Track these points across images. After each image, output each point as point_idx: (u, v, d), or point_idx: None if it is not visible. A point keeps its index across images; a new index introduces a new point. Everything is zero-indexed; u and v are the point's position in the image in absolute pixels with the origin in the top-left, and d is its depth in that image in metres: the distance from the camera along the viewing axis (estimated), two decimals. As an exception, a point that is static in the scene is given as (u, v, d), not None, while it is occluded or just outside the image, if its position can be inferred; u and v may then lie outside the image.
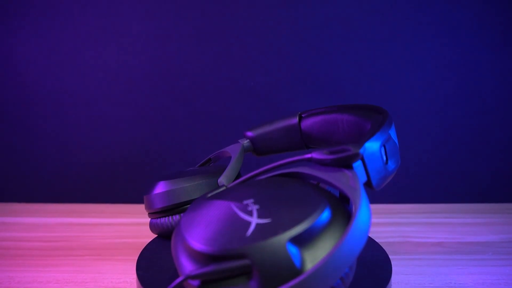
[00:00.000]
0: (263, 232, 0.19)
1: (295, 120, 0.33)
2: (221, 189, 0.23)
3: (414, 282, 0.31)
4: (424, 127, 0.47)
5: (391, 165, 0.24)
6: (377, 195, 0.45)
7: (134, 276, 0.31)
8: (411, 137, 0.47)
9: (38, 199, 0.48)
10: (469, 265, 0.34)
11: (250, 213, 0.20)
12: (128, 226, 0.41)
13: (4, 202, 0.47)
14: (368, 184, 0.22)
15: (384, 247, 0.30)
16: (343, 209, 0.21)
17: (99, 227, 0.41)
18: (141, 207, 0.46)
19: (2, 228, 0.41)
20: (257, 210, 0.20)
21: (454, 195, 0.48)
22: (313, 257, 0.19)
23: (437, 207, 0.46)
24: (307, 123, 0.33)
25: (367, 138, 0.22)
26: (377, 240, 0.32)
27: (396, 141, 0.26)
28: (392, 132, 0.25)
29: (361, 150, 0.21)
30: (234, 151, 0.32)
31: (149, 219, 0.32)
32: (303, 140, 0.33)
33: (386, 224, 0.42)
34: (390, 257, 0.29)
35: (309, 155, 0.22)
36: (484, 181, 0.47)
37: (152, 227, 0.31)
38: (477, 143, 0.47)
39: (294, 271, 0.18)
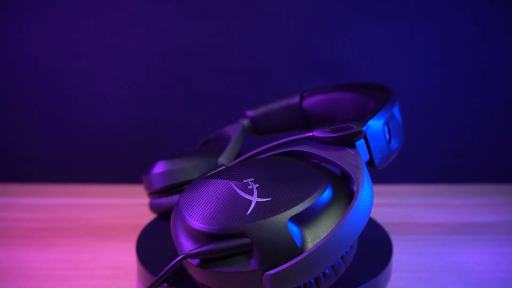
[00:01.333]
0: (263, 210, 0.19)
1: (297, 99, 0.32)
2: (221, 168, 0.23)
3: (415, 262, 0.31)
4: (426, 107, 0.46)
5: (394, 144, 0.24)
6: (377, 175, 0.44)
7: (134, 256, 0.31)
8: (412, 117, 0.46)
9: (37, 179, 0.47)
10: (469, 246, 0.34)
11: (250, 192, 0.20)
12: (128, 207, 0.41)
13: (2, 182, 0.47)
14: (370, 163, 0.22)
15: (384, 228, 0.30)
16: (345, 188, 0.20)
17: (99, 208, 0.41)
18: (141, 188, 0.46)
19: (1, 208, 0.41)
20: (257, 188, 0.20)
21: (456, 176, 0.47)
22: (314, 236, 0.18)
23: (438, 188, 0.46)
24: (309, 102, 0.32)
25: (370, 116, 0.22)
26: (377, 221, 0.32)
27: (400, 119, 0.25)
28: (396, 111, 0.25)
29: (364, 128, 0.21)
30: (234, 131, 0.32)
31: (149, 199, 0.31)
32: (304, 120, 0.33)
33: (386, 205, 0.42)
34: (391, 237, 0.29)
35: (310, 133, 0.22)
36: (486, 162, 0.47)
37: (152, 207, 0.31)
38: (479, 123, 0.46)
39: (295, 250, 0.18)
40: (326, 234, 0.18)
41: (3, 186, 0.46)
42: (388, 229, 0.30)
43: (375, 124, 0.22)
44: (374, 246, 0.27)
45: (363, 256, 0.25)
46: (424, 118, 0.46)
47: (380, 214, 0.39)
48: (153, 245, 0.27)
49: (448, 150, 0.47)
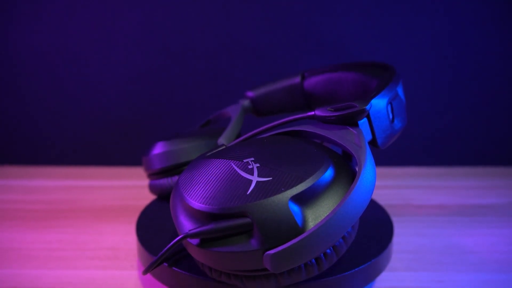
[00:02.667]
0: (264, 190, 0.18)
1: (298, 79, 0.32)
2: (221, 148, 0.23)
3: (415, 243, 0.31)
4: (428, 89, 0.45)
5: (397, 123, 0.23)
6: (378, 157, 0.44)
7: (135, 237, 0.31)
8: (414, 98, 0.45)
9: (37, 162, 0.47)
10: (470, 227, 0.34)
11: (250, 172, 0.19)
12: (128, 188, 0.41)
13: (2, 165, 0.47)
14: (373, 143, 0.22)
15: (385, 209, 0.30)
16: (347, 168, 0.20)
17: (99, 190, 0.41)
18: (141, 170, 0.46)
19: (1, 190, 0.41)
20: (258, 168, 0.19)
21: (457, 158, 0.47)
22: (316, 216, 0.18)
23: (438, 171, 0.46)
24: (310, 82, 0.31)
25: (374, 95, 0.21)
26: (378, 203, 0.31)
27: (404, 99, 0.24)
28: (400, 90, 0.24)
29: (367, 107, 0.20)
30: (234, 111, 0.31)
31: (149, 180, 0.31)
32: (305, 100, 0.32)
33: (387, 187, 0.41)
34: (392, 219, 0.28)
35: (312, 113, 0.22)
36: (487, 145, 0.47)
37: (152, 188, 0.30)
38: (480, 105, 0.46)
39: (296, 229, 0.18)
40: (328, 214, 0.18)
41: (3, 169, 0.46)
42: (388, 211, 0.30)
43: (379, 103, 0.21)
44: (375, 227, 0.27)
45: (364, 237, 0.25)
46: (425, 100, 0.46)
47: (380, 196, 0.39)
48: (153, 226, 0.27)
49: (449, 132, 0.47)
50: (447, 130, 0.47)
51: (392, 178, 0.44)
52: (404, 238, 0.32)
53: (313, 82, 0.31)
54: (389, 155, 0.47)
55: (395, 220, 0.35)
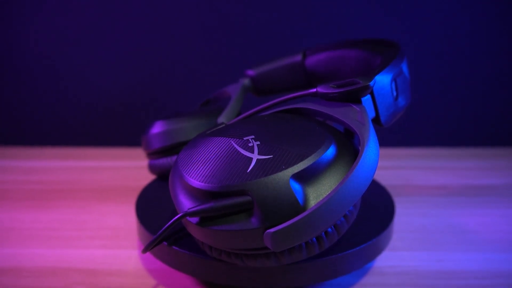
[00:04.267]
0: (264, 168, 0.18)
1: (299, 57, 0.31)
2: (220, 126, 0.22)
3: (416, 223, 0.31)
4: (430, 69, 0.45)
5: (401, 101, 0.23)
6: (380, 138, 0.44)
7: (135, 217, 0.31)
8: (416, 78, 0.45)
9: (36, 142, 0.47)
10: (471, 207, 0.33)
11: (250, 149, 0.19)
12: (128, 169, 0.41)
13: (3, 145, 0.47)
14: (376, 121, 0.21)
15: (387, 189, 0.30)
16: (349, 146, 0.19)
17: (99, 170, 0.40)
18: (141, 151, 0.46)
19: (1, 171, 0.40)
20: (258, 146, 0.19)
21: (459, 139, 0.47)
22: (317, 194, 0.18)
23: (441, 151, 0.45)
24: (312, 60, 0.31)
25: (378, 71, 0.21)
26: (380, 183, 0.31)
27: (408, 76, 0.24)
28: (404, 66, 0.23)
29: (371, 83, 0.19)
30: (234, 91, 0.31)
31: (148, 160, 0.31)
32: (307, 79, 0.31)
33: (389, 167, 0.41)
34: (393, 199, 0.28)
35: (314, 90, 0.21)
36: (490, 125, 0.46)
37: (151, 168, 0.30)
38: (483, 86, 0.45)
39: (297, 207, 0.18)
40: (329, 192, 0.18)
41: (4, 149, 0.46)
42: (390, 191, 0.30)
43: (383, 80, 0.21)
44: (377, 207, 0.26)
45: (366, 216, 0.25)
46: (428, 80, 0.45)
47: (382, 177, 0.39)
48: (152, 205, 0.27)
49: (451, 113, 0.46)
50: (449, 111, 0.46)
51: (394, 159, 0.43)
52: (405, 218, 0.32)
53: (315, 60, 0.30)
54: (390, 136, 0.46)
55: (396, 201, 0.34)
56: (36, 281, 0.25)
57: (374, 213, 0.26)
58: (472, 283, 0.25)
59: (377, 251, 0.24)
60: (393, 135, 0.46)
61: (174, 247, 0.22)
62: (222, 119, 0.28)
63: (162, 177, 0.30)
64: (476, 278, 0.25)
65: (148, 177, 0.39)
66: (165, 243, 0.22)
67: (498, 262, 0.27)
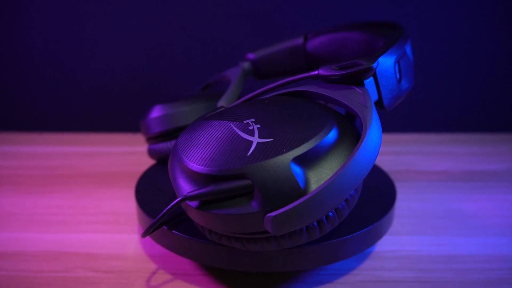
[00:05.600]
0: (265, 151, 0.18)
1: (300, 40, 0.30)
2: (220, 110, 0.22)
3: (417, 208, 0.31)
4: (432, 54, 0.44)
5: (404, 84, 0.22)
6: (381, 124, 0.43)
7: (135, 202, 0.31)
8: (417, 64, 0.44)
9: (36, 128, 0.47)
10: (472, 193, 0.33)
11: (251, 133, 0.19)
12: (128, 154, 0.41)
13: (2, 131, 0.46)
14: (378, 104, 0.21)
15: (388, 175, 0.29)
16: (351, 129, 0.19)
17: (98, 156, 0.40)
18: (140, 136, 0.45)
19: (1, 156, 0.40)
20: (259, 129, 0.19)
21: (459, 125, 0.46)
22: (318, 178, 0.18)
23: (441, 137, 0.45)
24: (313, 43, 0.30)
25: (381, 52, 0.20)
26: (381, 168, 0.31)
27: (412, 58, 0.23)
28: (408, 48, 0.23)
29: (374, 65, 0.19)
30: (234, 74, 0.30)
31: (147, 145, 0.31)
32: (308, 63, 0.31)
33: (389, 153, 0.41)
34: (394, 184, 0.28)
35: (315, 72, 0.21)
36: (491, 111, 0.46)
37: (150, 153, 0.30)
38: (485, 72, 0.44)
39: (298, 191, 0.17)
40: (331, 175, 0.17)
41: (3, 135, 0.45)
42: (391, 176, 0.30)
43: (386, 61, 0.20)
44: (378, 192, 0.26)
45: (367, 201, 0.25)
46: (429, 65, 0.44)
47: (383, 162, 0.39)
48: (152, 190, 0.27)
49: (453, 98, 0.45)
50: (450, 96, 0.45)
51: (395, 144, 0.43)
52: (406, 203, 0.32)
53: (316, 43, 0.30)
54: (391, 121, 0.46)
55: (397, 186, 0.34)
56: (37, 265, 0.25)
57: (375, 198, 0.25)
58: (472, 267, 0.25)
59: (377, 236, 0.24)
60: (394, 120, 0.46)
61: (174, 231, 0.22)
62: (222, 103, 0.28)
63: (162, 161, 0.30)
64: (476, 262, 0.25)
65: (148, 163, 0.38)
66: (165, 227, 0.22)
67: (498, 247, 0.27)
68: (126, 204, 0.32)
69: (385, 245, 0.27)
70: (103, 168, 0.38)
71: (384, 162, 0.39)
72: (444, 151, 0.42)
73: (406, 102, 0.45)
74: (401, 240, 0.27)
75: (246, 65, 0.31)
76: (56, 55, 0.44)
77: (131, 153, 0.41)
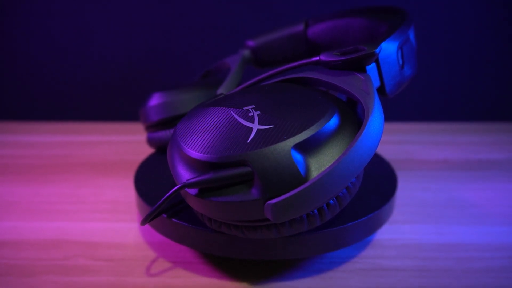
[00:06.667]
0: (265, 138, 0.17)
1: (301, 27, 0.30)
2: (219, 96, 0.22)
3: (418, 197, 0.31)
4: (433, 42, 0.43)
5: (407, 70, 0.22)
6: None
7: (134, 190, 0.31)
8: (418, 51, 0.44)
9: (35, 117, 0.46)
10: (473, 182, 0.33)
11: (251, 119, 0.18)
12: (127, 143, 0.40)
13: (1, 120, 0.46)
14: (381, 90, 0.20)
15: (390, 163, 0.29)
16: (352, 115, 0.19)
17: (98, 145, 0.40)
18: (139, 125, 0.45)
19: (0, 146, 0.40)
20: (259, 116, 0.18)
21: (461, 114, 0.46)
22: (319, 165, 0.17)
23: (443, 126, 0.45)
24: (314, 30, 0.30)
25: (384, 38, 0.20)
26: (383, 157, 0.31)
27: (415, 44, 0.23)
28: (411, 34, 0.22)
29: (377, 50, 0.19)
30: (234, 62, 0.30)
31: (146, 133, 0.30)
32: (309, 50, 0.30)
33: (390, 142, 0.41)
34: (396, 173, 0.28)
35: (317, 58, 0.20)
36: (492, 100, 0.45)
37: (150, 141, 0.30)
38: (487, 61, 0.44)
39: (298, 178, 0.17)
40: (332, 162, 0.17)
41: (2, 124, 0.45)
42: (392, 165, 0.30)
43: (389, 47, 0.20)
44: (379, 180, 0.26)
45: (368, 189, 0.25)
46: (430, 54, 0.44)
47: (384, 151, 0.38)
48: (151, 178, 0.26)
49: (454, 87, 0.45)
50: (451, 85, 0.45)
51: (396, 133, 0.43)
52: (406, 192, 0.32)
53: (317, 29, 0.29)
54: (393, 111, 0.46)
55: (399, 175, 0.34)
56: (36, 253, 0.25)
57: (376, 187, 0.25)
58: (472, 256, 0.25)
59: (378, 224, 0.23)
60: (395, 110, 0.46)
61: (173, 219, 0.22)
62: (222, 90, 0.27)
63: (161, 150, 0.30)
64: (476, 251, 0.25)
65: (147, 152, 0.38)
66: (164, 215, 0.22)
67: (498, 235, 0.26)
68: (126, 193, 0.32)
69: (386, 233, 0.27)
70: (102, 157, 0.38)
71: (386, 151, 0.39)
72: (446, 140, 0.41)
73: (407, 91, 0.45)
74: (402, 228, 0.27)
75: (246, 52, 0.31)
76: (54, 43, 0.44)
77: (131, 142, 0.41)
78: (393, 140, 0.41)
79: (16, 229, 0.27)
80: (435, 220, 0.28)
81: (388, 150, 0.39)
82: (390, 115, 0.46)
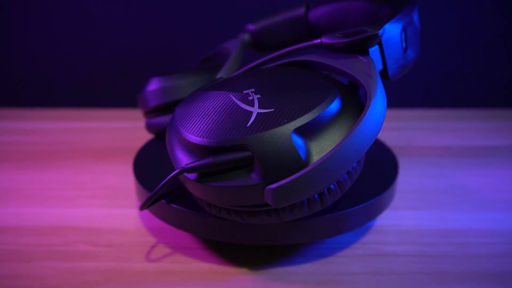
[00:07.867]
0: (265, 122, 0.17)
1: (302, 10, 0.29)
2: (219, 80, 0.21)
3: (419, 183, 0.31)
4: (435, 28, 0.43)
5: (410, 53, 0.21)
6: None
7: (133, 176, 0.31)
8: (420, 38, 0.43)
9: (34, 104, 0.46)
10: (474, 168, 0.33)
11: (250, 103, 0.18)
12: (126, 130, 0.40)
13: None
14: (383, 74, 0.20)
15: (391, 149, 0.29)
16: (354, 99, 0.19)
17: (97, 132, 0.40)
18: (138, 112, 0.45)
19: (-3, 132, 0.40)
20: (259, 99, 0.18)
21: (462, 100, 0.45)
22: (320, 149, 0.17)
23: (444, 112, 0.44)
24: (315, 13, 0.29)
25: (387, 19, 0.19)
26: (384, 143, 0.30)
27: (419, 26, 0.22)
28: (415, 16, 0.22)
29: (380, 32, 0.18)
30: (233, 46, 0.29)
31: (145, 119, 0.30)
32: (310, 34, 0.30)
33: (392, 128, 0.40)
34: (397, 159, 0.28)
35: (318, 40, 0.20)
36: (494, 86, 0.45)
37: (148, 127, 0.29)
38: (489, 47, 0.43)
39: (299, 163, 0.17)
40: (333, 147, 0.17)
41: (1, 111, 0.45)
42: (393, 151, 0.29)
43: (392, 29, 0.19)
44: (380, 166, 0.26)
45: (369, 175, 0.25)
46: (432, 40, 0.43)
47: (386, 137, 0.38)
48: (150, 164, 0.26)
49: (456, 74, 0.45)
50: (453, 72, 0.45)
51: (397, 120, 0.42)
52: (407, 179, 0.31)
53: (318, 13, 0.29)
54: (394, 97, 0.45)
55: (400, 161, 0.34)
56: (36, 239, 0.25)
57: (377, 172, 0.25)
58: (473, 241, 0.25)
59: (379, 210, 0.23)
60: (397, 96, 0.45)
61: (173, 205, 0.22)
62: (221, 75, 0.27)
63: (160, 136, 0.29)
64: (477, 237, 0.25)
65: (146, 137, 0.38)
66: (163, 201, 0.22)
67: (499, 221, 0.26)
68: (125, 178, 0.32)
69: (387, 219, 0.27)
70: (101, 143, 0.37)
71: (387, 137, 0.38)
72: (446, 127, 0.41)
73: (408, 77, 0.44)
74: (403, 214, 0.27)
75: (245, 36, 0.30)
76: (52, 29, 0.43)
77: (130, 128, 0.40)
78: (394, 127, 0.41)
79: (16, 215, 0.27)
80: (436, 207, 0.28)
81: (389, 136, 0.39)
82: (392, 101, 0.45)
